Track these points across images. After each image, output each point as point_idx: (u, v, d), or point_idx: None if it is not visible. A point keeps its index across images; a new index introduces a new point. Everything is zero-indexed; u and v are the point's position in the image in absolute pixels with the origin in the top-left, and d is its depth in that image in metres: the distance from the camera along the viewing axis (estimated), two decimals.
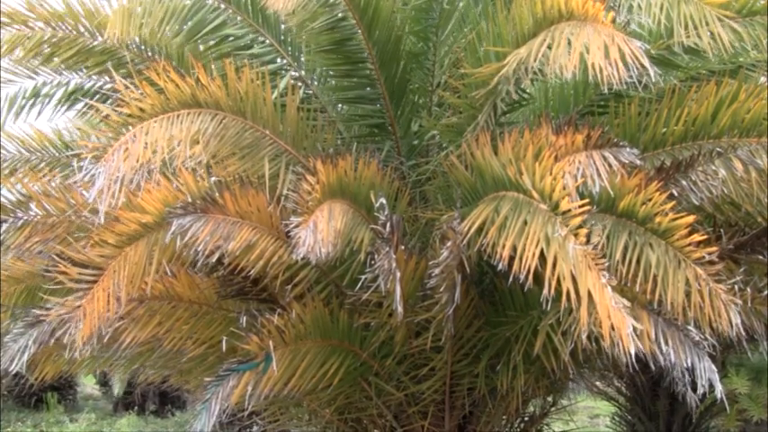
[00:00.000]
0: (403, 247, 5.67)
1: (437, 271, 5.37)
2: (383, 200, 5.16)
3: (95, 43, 6.34)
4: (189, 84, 5.15)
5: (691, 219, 4.99)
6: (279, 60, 6.49)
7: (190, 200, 5.20)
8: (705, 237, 4.97)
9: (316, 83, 6.62)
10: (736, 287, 5.43)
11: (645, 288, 5.03)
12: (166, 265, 5.52)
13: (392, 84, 6.38)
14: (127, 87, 5.12)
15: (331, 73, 6.45)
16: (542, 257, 4.73)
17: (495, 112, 5.77)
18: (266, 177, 5.61)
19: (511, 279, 4.82)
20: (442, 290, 5.48)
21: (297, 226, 4.91)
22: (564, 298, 4.57)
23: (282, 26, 6.42)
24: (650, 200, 5.13)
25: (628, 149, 4.92)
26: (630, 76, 4.56)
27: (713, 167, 5.36)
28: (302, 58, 6.54)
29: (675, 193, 5.54)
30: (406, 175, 6.44)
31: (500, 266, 4.88)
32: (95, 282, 5.35)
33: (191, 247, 5.27)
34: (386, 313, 5.89)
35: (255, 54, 6.38)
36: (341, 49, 6.17)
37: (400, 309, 5.47)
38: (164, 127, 4.95)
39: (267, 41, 6.40)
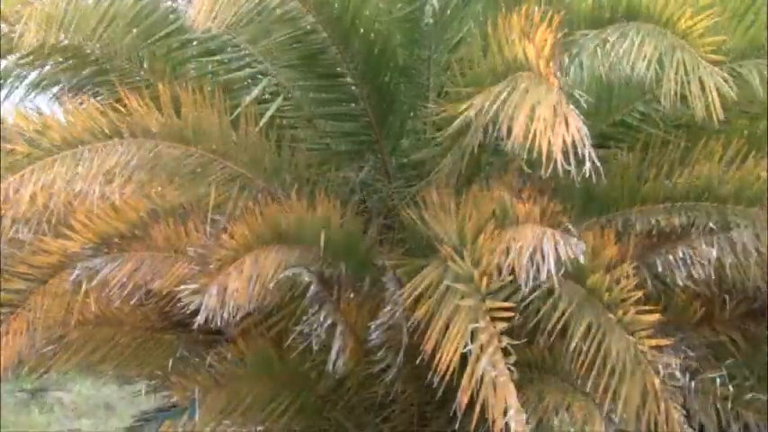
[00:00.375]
0: (352, 295, 5.15)
1: (376, 334, 4.84)
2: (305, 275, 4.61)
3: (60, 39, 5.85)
4: (105, 112, 4.67)
5: (654, 317, 4.33)
6: (255, 65, 5.91)
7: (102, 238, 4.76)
8: (669, 342, 4.31)
9: (299, 93, 6.02)
10: (717, 381, 4.81)
11: (599, 386, 4.42)
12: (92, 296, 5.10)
13: (377, 99, 5.74)
14: None
15: (303, 87, 5.84)
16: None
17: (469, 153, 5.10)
18: (210, 206, 5.13)
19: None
20: (383, 351, 4.96)
21: (194, 293, 4.40)
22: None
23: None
24: (619, 283, 4.48)
25: (575, 242, 4.25)
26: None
27: (704, 246, 4.63)
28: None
29: (660, 267, 4.86)
30: (387, 197, 5.86)
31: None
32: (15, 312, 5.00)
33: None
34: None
35: (228, 59, 5.83)
36: (311, 64, 5.56)
37: (340, 366, 4.99)
38: (66, 165, 4.48)
39: (240, 45, 5.82)
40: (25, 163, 4.43)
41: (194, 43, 5.81)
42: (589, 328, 4.55)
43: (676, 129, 5.61)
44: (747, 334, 5.58)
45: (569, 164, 3.93)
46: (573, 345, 4.56)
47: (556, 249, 4.19)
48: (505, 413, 3.93)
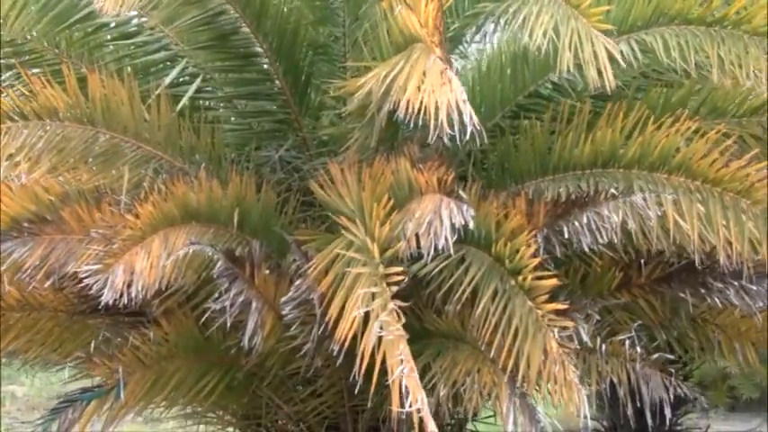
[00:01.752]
0: (268, 272, 5.19)
1: (287, 309, 4.89)
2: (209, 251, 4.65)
3: None
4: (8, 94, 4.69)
5: (552, 282, 4.41)
6: (173, 48, 5.93)
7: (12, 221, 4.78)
8: (567, 306, 4.39)
9: (218, 74, 6.05)
10: (627, 343, 4.90)
11: (503, 349, 4.51)
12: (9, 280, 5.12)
13: (294, 77, 5.79)
14: None
15: (217, 68, 5.87)
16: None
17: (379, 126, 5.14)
18: (124, 188, 5.17)
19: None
20: (297, 326, 5.01)
21: (98, 273, 4.43)
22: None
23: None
24: (518, 251, 4.56)
25: (466, 208, 4.31)
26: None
27: (606, 212, 4.70)
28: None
29: (567, 233, 4.93)
30: (307, 174, 5.90)
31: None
32: None
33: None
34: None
35: (143, 42, 5.85)
36: (223, 45, 5.59)
37: (257, 342, 5.04)
38: None
39: (156, 28, 5.83)
40: None
41: (110, 26, 5.82)
42: (495, 293, 4.64)
43: (591, 98, 5.69)
44: (665, 297, 5.67)
45: (453, 129, 3.99)
46: (481, 310, 4.63)
47: (450, 217, 4.25)
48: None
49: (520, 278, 4.48)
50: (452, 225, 4.22)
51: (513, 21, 4.81)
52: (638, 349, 4.85)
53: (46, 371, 7.99)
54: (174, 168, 5.41)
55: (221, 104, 6.14)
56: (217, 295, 4.92)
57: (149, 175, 5.33)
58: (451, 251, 4.33)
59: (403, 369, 3.98)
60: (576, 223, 4.88)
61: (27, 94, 4.83)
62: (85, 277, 4.46)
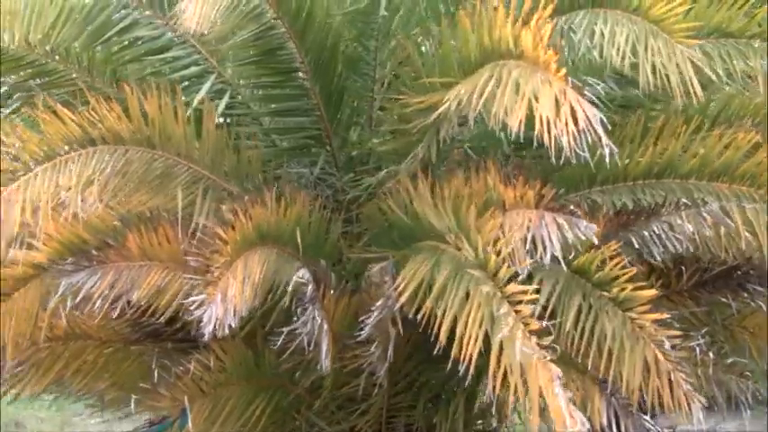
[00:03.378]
0: (332, 291, 5.11)
1: (368, 329, 4.81)
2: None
3: None
4: (78, 120, 4.47)
5: (651, 293, 4.45)
6: (202, 63, 5.76)
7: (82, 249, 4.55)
8: (666, 315, 4.44)
9: (246, 90, 5.91)
10: (698, 350, 4.99)
11: (598, 364, 4.52)
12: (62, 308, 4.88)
13: (328, 93, 5.71)
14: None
15: (258, 83, 5.74)
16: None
17: (439, 144, 5.11)
18: (179, 209, 5.00)
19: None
20: (374, 346, 4.93)
21: (201, 305, 4.26)
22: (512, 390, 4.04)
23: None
24: (607, 260, 4.58)
25: (585, 223, 4.31)
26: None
27: (679, 221, 4.78)
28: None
29: (636, 244, 5.01)
30: (340, 191, 5.81)
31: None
32: None
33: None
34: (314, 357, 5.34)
35: (174, 57, 5.67)
36: (269, 60, 5.47)
37: (327, 364, 4.94)
38: (47, 177, 4.29)
39: (188, 42, 5.66)
40: (8, 180, 4.21)
41: (139, 43, 5.62)
42: (579, 309, 4.62)
43: (622, 109, 5.80)
44: (700, 303, 5.81)
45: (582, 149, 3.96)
46: (565, 327, 4.60)
47: (560, 232, 4.24)
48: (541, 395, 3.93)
49: (614, 290, 4.48)
50: (565, 240, 4.21)
51: (581, 43, 4.82)
52: (711, 355, 4.94)
53: None
54: (220, 188, 5.28)
55: (248, 121, 5.99)
56: (295, 318, 4.79)
57: (199, 197, 5.18)
58: (564, 267, 4.32)
59: (557, 392, 3.90)
60: (646, 233, 4.94)
61: (93, 118, 4.60)
62: (193, 308, 4.26)
